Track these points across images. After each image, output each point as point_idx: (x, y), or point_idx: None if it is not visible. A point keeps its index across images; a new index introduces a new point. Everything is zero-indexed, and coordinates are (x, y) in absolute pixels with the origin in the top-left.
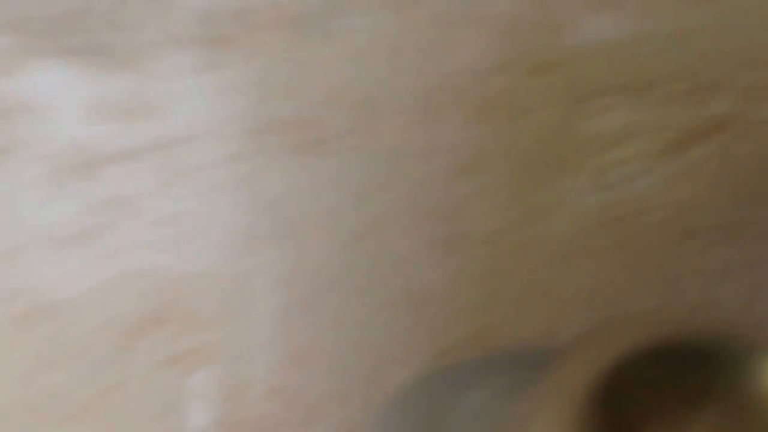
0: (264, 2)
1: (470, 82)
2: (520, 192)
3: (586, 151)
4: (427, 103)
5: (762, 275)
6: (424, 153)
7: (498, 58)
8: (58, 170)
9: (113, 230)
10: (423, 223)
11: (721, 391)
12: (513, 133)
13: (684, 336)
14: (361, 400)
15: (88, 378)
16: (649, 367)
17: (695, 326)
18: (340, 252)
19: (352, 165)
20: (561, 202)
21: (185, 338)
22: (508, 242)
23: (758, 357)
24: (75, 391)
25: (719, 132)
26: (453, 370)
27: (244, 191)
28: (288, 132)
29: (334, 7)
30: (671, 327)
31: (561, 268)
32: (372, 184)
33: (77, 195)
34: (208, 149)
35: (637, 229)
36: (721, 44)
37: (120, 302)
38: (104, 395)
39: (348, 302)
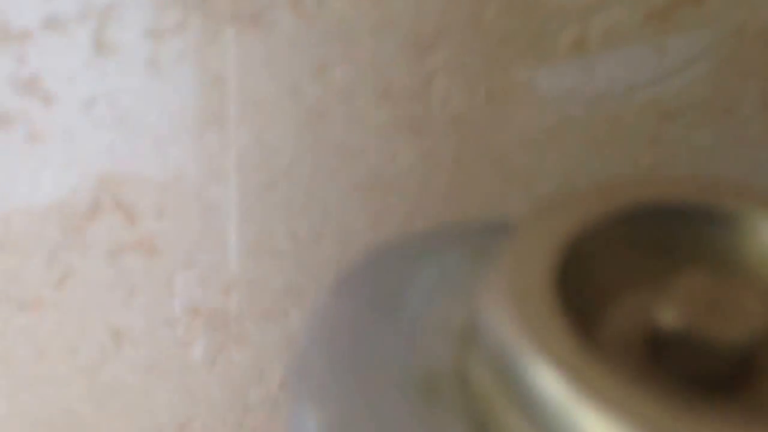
0: None
1: None
2: (487, 70)
3: (558, 22)
4: None
5: (754, 151)
6: (378, 28)
7: None
8: None
9: (37, 114)
10: (385, 103)
11: (711, 251)
12: (473, 4)
13: (667, 195)
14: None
15: (41, 267)
16: (627, 227)
17: (680, 185)
18: (300, 134)
19: (300, 40)
20: (532, 81)
21: (132, 229)
22: (477, 124)
23: (754, 215)
24: (28, 281)
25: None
26: (412, 242)
27: (185, 68)
28: (220, 1)
29: None
30: (654, 187)
31: (534, 152)
32: (323, 62)
33: None
34: (140, 20)
35: (615, 112)
36: None
37: (57, 192)
38: (57, 285)
39: (311, 187)
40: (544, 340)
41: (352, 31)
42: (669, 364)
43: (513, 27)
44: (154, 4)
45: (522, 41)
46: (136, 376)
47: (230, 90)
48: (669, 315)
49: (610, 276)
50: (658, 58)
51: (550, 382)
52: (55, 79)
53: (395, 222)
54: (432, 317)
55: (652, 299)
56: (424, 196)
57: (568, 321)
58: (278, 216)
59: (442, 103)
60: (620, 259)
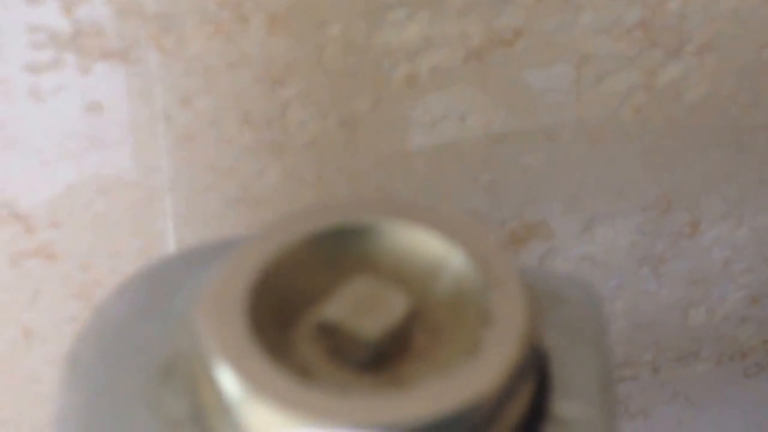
0: None
1: None
2: (335, 100)
3: (390, 61)
4: (223, 17)
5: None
6: (233, 64)
7: None
8: None
9: None
10: (247, 129)
11: (367, 259)
12: (315, 45)
13: (336, 220)
14: None
15: None
16: (314, 248)
17: (348, 210)
18: (174, 155)
19: (165, 74)
20: (377, 108)
21: (30, 238)
22: (332, 147)
23: (390, 223)
24: None
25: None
26: (189, 253)
27: (67, 97)
28: (93, 40)
29: None
30: (328, 215)
31: (386, 172)
32: (188, 93)
33: None
34: (13, 58)
35: (452, 138)
36: None
37: None
38: None
39: (190, 201)
40: (226, 343)
41: (210, 66)
42: (338, 354)
43: (351, 63)
44: (30, 44)
45: (361, 76)
46: (48, 369)
47: (107, 116)
48: (328, 313)
49: (302, 289)
50: (481, 90)
51: (227, 379)
52: None
53: None
54: (187, 316)
55: (326, 304)
56: (293, 209)
57: (254, 326)
58: (164, 226)
59: (298, 129)
60: (310, 275)
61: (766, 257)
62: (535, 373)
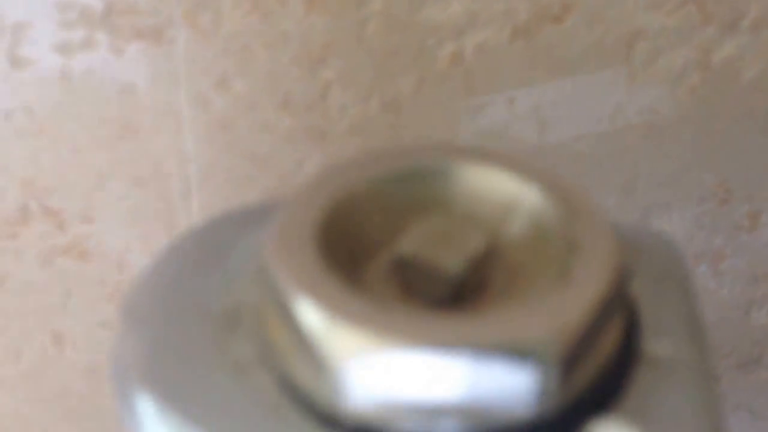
0: None
1: None
2: (377, 82)
3: (436, 37)
4: None
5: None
6: (270, 43)
7: None
8: None
9: None
10: (285, 113)
11: (440, 199)
12: (356, 22)
13: (407, 160)
14: None
15: None
16: (377, 194)
17: (414, 153)
18: (210, 142)
19: (200, 55)
20: (421, 90)
21: (62, 234)
22: (375, 131)
23: (462, 163)
24: None
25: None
26: (240, 213)
27: (95, 80)
28: (125, 19)
29: None
30: (392, 160)
31: None
32: (224, 75)
33: None
34: (48, 37)
35: (503, 120)
36: None
37: None
38: None
39: (226, 193)
40: (302, 277)
41: (247, 47)
42: (414, 290)
43: (394, 42)
44: (60, 23)
45: (404, 55)
46: (81, 380)
47: (141, 101)
48: (404, 248)
49: (374, 229)
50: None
51: (306, 311)
52: None
53: None
54: (246, 270)
55: (399, 241)
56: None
57: (327, 263)
58: (200, 217)
59: (339, 113)
60: (381, 216)
61: None
62: (625, 308)
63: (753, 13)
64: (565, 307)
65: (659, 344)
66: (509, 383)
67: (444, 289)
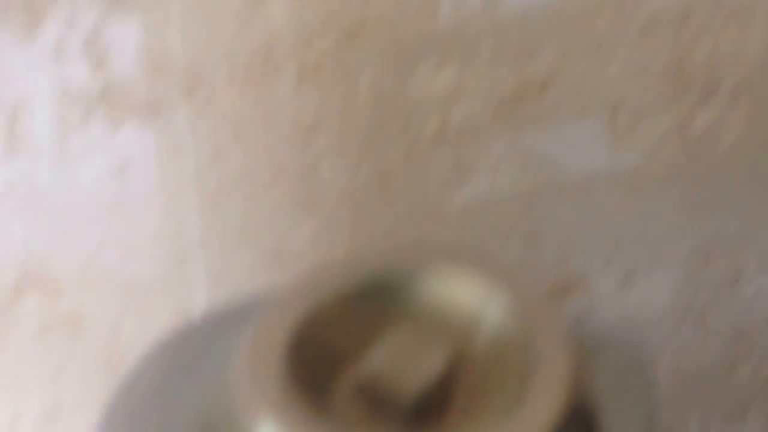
0: None
1: (290, 46)
2: (369, 149)
3: (423, 109)
4: (254, 69)
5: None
6: (264, 117)
7: (312, 22)
8: None
9: None
10: (279, 183)
11: (404, 312)
12: (346, 94)
13: (366, 275)
14: None
15: None
16: (341, 309)
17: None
18: (205, 212)
19: (195, 129)
20: (409, 157)
21: (57, 305)
22: (366, 200)
23: (426, 272)
24: None
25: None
26: (215, 317)
27: (96, 157)
28: (122, 97)
29: None
30: (358, 271)
31: (423, 224)
32: (218, 148)
33: None
34: (46, 116)
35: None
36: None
37: None
38: None
39: (223, 259)
40: (267, 400)
41: (241, 120)
42: (378, 410)
43: (382, 115)
44: (59, 101)
45: (392, 128)
46: None
47: (136, 176)
48: (368, 370)
49: (339, 345)
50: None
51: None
52: None
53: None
54: (219, 378)
55: (365, 360)
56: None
57: (294, 383)
58: (195, 287)
59: (330, 182)
60: (345, 331)
61: None
62: (582, 422)
63: (729, 84)
64: (521, 429)
65: None
66: None
67: (407, 410)
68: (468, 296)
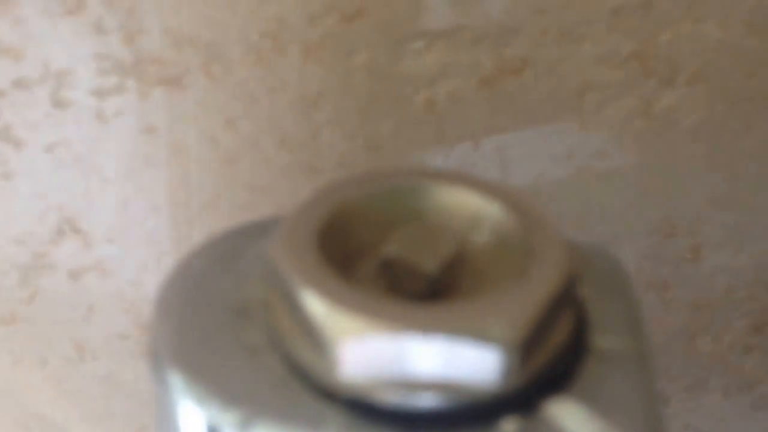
0: None
1: (297, 27)
2: (362, 124)
3: (413, 86)
4: (264, 48)
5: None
6: (272, 90)
7: (315, 6)
8: None
9: (10, 157)
10: (283, 151)
11: (415, 213)
12: (345, 72)
13: (390, 182)
14: None
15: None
16: (365, 208)
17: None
18: (217, 176)
19: (211, 98)
20: (400, 131)
21: (88, 253)
22: (360, 167)
23: (433, 182)
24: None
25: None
26: (249, 226)
27: (123, 121)
28: (149, 69)
29: None
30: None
31: None
32: (231, 117)
33: None
34: (83, 83)
35: (469, 159)
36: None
37: (21, 224)
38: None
39: (229, 219)
40: (305, 273)
41: (251, 92)
42: (398, 286)
43: (377, 89)
44: (96, 71)
45: (386, 101)
46: (99, 385)
47: (161, 139)
48: (389, 252)
49: (362, 237)
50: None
51: (310, 300)
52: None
53: None
54: (254, 272)
55: (385, 246)
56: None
57: (325, 262)
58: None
59: (329, 151)
60: (368, 225)
61: (767, 285)
62: (574, 306)
63: (689, 69)
64: (523, 301)
65: (605, 339)
66: (477, 363)
67: (422, 286)
68: (470, 200)
